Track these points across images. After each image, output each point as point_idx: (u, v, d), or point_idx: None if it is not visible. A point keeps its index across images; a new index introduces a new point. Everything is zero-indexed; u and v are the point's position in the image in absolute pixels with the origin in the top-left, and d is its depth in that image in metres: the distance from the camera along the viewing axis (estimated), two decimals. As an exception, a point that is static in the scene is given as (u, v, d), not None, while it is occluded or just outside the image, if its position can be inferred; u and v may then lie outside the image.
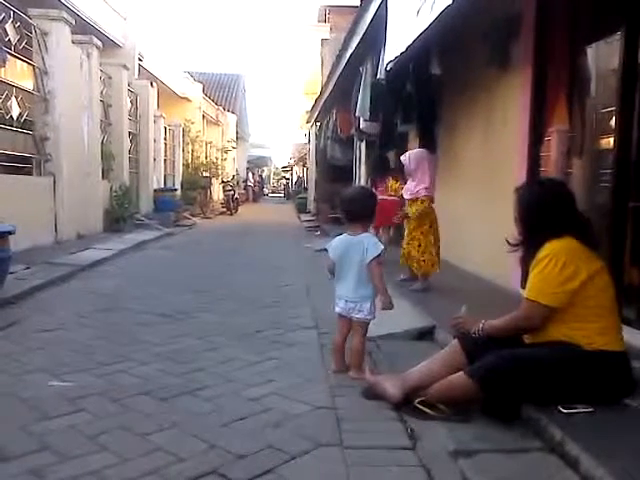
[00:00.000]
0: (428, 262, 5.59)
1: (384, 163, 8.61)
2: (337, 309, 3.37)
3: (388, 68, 6.31)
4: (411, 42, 4.97)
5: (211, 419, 2.67)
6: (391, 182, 7.81)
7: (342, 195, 3.51)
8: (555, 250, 2.59)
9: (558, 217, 2.67)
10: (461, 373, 2.60)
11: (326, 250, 3.49)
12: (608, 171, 4.22)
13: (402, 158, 5.84)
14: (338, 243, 3.38)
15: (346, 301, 3.30)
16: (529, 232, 2.79)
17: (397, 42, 5.46)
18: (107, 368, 3.38)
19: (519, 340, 2.75)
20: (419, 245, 5.61)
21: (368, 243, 3.23)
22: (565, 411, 2.46)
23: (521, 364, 2.52)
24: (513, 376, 2.49)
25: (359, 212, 3.34)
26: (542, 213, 2.70)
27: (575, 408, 2.47)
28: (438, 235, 5.71)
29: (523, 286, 2.81)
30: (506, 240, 2.94)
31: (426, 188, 5.58)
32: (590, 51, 4.70)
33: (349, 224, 3.37)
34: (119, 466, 2.21)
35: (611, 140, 4.18)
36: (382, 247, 3.25)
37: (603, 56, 4.64)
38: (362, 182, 12.85)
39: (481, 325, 2.75)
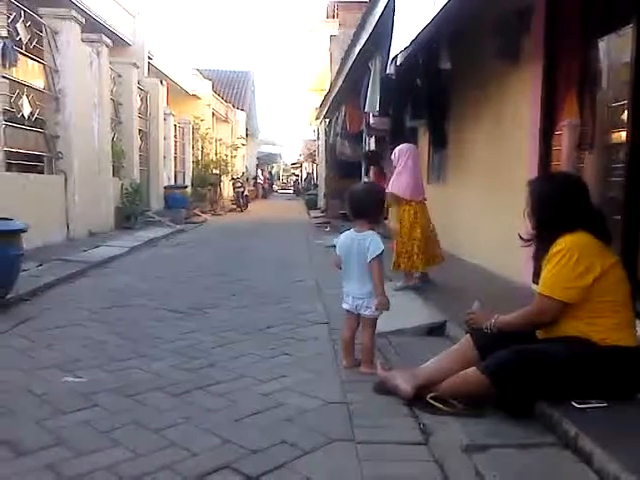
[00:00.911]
0: (396, 258, 5.43)
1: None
2: (345, 305, 3.37)
3: (398, 62, 6.29)
4: (416, 35, 4.95)
5: (224, 414, 2.68)
6: None
7: (349, 191, 3.50)
8: (568, 245, 2.57)
9: (571, 211, 2.65)
10: (474, 368, 2.59)
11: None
12: (620, 165, 4.19)
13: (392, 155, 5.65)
14: (344, 239, 3.37)
15: (353, 297, 3.29)
16: (542, 226, 2.76)
17: (404, 35, 5.44)
18: (120, 364, 3.40)
19: (532, 335, 2.74)
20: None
21: (371, 241, 3.21)
22: (579, 406, 2.45)
23: (534, 360, 2.51)
24: (525, 371, 2.48)
25: (366, 209, 3.33)
26: (555, 207, 2.68)
27: (589, 403, 2.46)
28: (413, 233, 5.39)
29: (535, 281, 2.79)
30: (518, 235, 2.93)
31: (400, 188, 5.38)
32: (601, 44, 4.65)
33: (355, 220, 3.37)
34: (133, 461, 2.22)
35: (623, 134, 4.14)
36: (383, 247, 3.22)
37: (615, 49, 4.58)
38: (371, 178, 12.83)
39: (493, 320, 2.73)
